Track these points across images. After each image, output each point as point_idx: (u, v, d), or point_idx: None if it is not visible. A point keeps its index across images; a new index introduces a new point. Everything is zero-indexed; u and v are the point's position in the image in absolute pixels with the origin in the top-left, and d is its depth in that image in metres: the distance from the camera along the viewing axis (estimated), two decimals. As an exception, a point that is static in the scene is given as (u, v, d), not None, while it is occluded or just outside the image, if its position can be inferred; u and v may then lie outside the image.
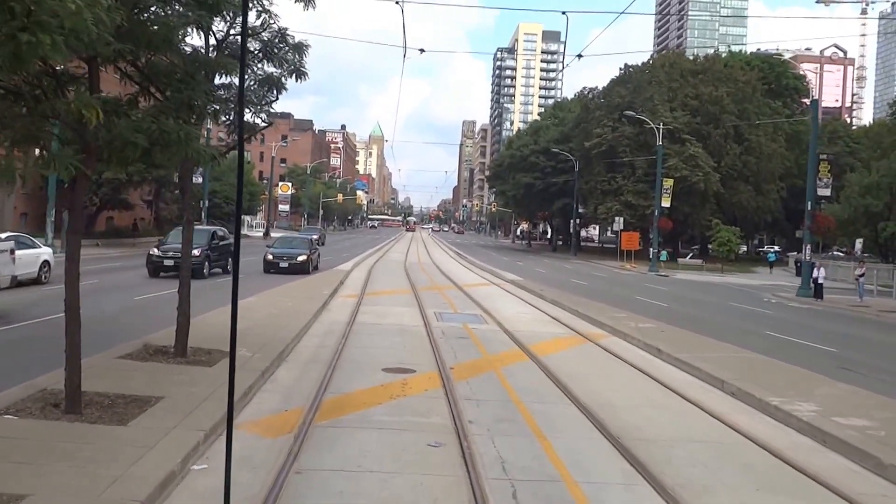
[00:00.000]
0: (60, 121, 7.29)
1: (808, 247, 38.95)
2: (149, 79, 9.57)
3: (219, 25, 11.16)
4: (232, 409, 5.08)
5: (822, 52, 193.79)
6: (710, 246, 63.90)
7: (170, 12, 8.94)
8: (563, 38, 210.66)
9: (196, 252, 25.90)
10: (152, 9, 8.79)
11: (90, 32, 5.34)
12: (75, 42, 5.75)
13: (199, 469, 7.09)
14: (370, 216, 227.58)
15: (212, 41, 11.27)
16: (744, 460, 8.45)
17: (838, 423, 9.58)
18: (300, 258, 33.87)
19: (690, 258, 69.45)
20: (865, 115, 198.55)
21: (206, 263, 28.87)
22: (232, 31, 11.39)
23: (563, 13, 27.85)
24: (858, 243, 56.17)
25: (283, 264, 32.99)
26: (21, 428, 7.53)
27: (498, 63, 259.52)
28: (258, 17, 11.38)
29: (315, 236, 65.64)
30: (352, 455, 7.80)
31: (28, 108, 7.65)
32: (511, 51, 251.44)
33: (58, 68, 7.89)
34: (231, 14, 10.85)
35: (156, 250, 28.74)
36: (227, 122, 12.34)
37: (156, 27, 8.08)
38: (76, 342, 8.18)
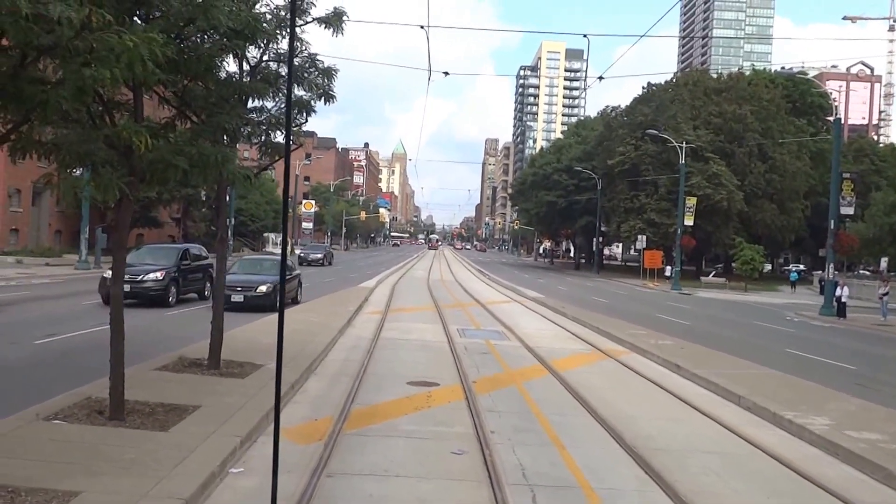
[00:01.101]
0: (110, 145, 7.81)
1: (832, 265, 38.84)
2: (186, 103, 10.15)
3: (252, 52, 11.72)
4: (279, 405, 5.50)
5: (848, 69, 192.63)
6: (733, 264, 63.68)
7: (209, 43, 9.47)
8: (584, 57, 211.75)
9: (159, 275, 23.78)
10: (193, 39, 9.35)
11: (145, 66, 5.85)
12: (128, 74, 6.27)
13: (237, 472, 7.53)
14: (392, 234, 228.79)
15: (245, 67, 11.83)
16: (755, 470, 8.72)
17: (850, 437, 9.82)
18: (261, 289, 24.11)
19: (713, 276, 69.16)
20: (893, 133, 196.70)
21: (173, 289, 24.14)
22: (265, 58, 11.95)
23: (585, 36, 28.32)
24: (884, 262, 55.87)
25: (237, 297, 23.19)
26: (70, 432, 8.02)
27: (521, 81, 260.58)
28: (291, 44, 11.91)
29: (320, 255, 64.60)
30: (379, 461, 8.20)
31: (75, 133, 8.19)
32: (534, 69, 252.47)
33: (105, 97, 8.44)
34: (264, 42, 11.40)
35: (111, 273, 24.09)
36: (259, 144, 12.87)
37: (199, 59, 8.61)
38: (120, 353, 8.65)
